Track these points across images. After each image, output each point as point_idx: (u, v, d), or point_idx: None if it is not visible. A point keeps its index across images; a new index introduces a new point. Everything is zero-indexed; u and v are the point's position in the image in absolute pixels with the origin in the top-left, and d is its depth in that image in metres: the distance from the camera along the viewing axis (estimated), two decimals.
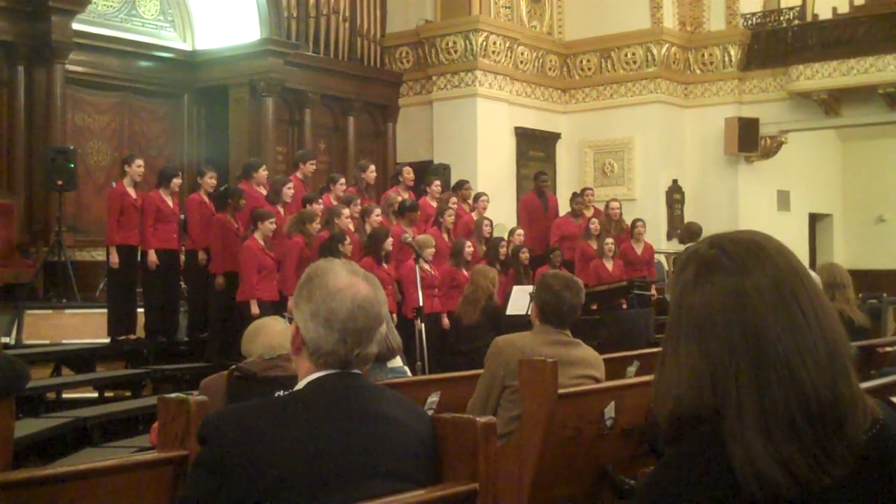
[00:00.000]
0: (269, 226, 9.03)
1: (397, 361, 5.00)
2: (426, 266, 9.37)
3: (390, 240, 9.25)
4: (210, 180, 10.01)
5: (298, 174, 10.66)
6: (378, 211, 9.93)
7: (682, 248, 11.82)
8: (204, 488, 1.95)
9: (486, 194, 11.80)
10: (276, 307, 8.78)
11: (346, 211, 9.61)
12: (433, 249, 9.65)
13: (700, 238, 11.48)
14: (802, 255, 16.13)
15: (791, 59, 15.48)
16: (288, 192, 9.80)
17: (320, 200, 9.91)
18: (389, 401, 2.16)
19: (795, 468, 1.34)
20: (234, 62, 13.75)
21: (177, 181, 9.88)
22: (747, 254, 1.45)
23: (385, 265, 9.16)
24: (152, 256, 9.52)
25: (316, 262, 2.26)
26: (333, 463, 1.98)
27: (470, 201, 11.73)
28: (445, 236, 10.40)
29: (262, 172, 10.18)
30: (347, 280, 2.11)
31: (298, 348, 2.13)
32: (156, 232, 9.60)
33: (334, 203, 10.03)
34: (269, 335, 4.10)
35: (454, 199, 10.98)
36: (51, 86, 11.57)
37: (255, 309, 8.70)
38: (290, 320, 2.22)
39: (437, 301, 9.69)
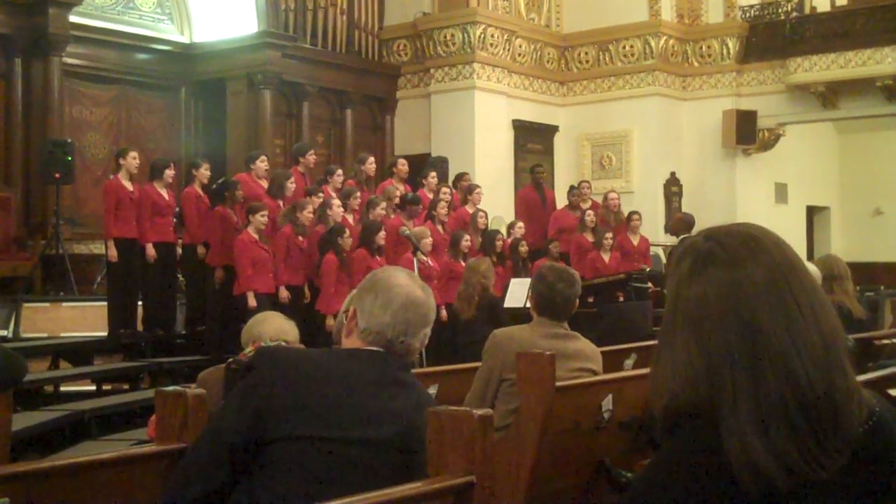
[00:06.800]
0: (262, 219, 9.00)
1: None
2: (424, 258, 9.36)
3: (383, 232, 9.24)
4: (205, 172, 9.97)
5: (300, 167, 10.64)
6: (383, 204, 9.91)
7: (677, 240, 11.81)
8: (245, 405, 2.24)
9: (479, 186, 11.78)
10: (273, 300, 8.78)
11: (337, 202, 9.58)
12: (430, 240, 9.64)
13: (693, 229, 11.50)
14: (800, 248, 16.17)
15: (789, 52, 15.48)
16: (291, 186, 9.75)
17: (321, 193, 9.89)
18: (416, 382, 2.51)
19: (791, 461, 1.34)
20: (231, 55, 13.73)
21: (170, 172, 9.81)
22: (743, 247, 1.46)
23: (378, 257, 9.17)
24: (150, 250, 9.48)
25: (381, 267, 2.72)
26: (361, 404, 2.28)
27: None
28: (440, 228, 10.39)
29: (261, 164, 10.14)
30: (406, 280, 2.49)
31: (350, 331, 2.45)
32: (153, 225, 9.56)
33: (332, 195, 10.02)
34: (273, 325, 4.10)
35: (445, 191, 10.95)
36: (48, 78, 11.56)
37: (252, 301, 8.70)
38: (344, 314, 2.52)
39: (435, 294, 9.67)
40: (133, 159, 9.62)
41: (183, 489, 2.26)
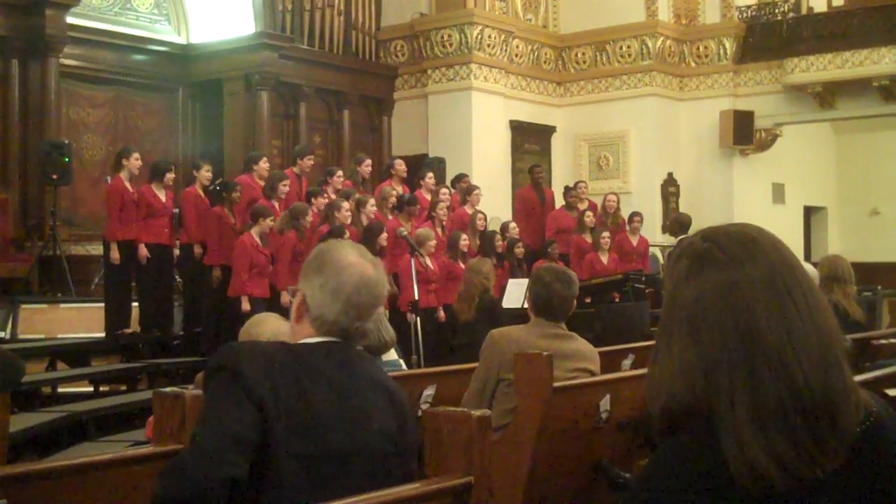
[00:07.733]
0: (269, 223, 9.00)
1: (392, 355, 4.98)
2: (424, 260, 9.36)
3: (385, 234, 9.24)
4: (206, 173, 9.97)
5: (295, 169, 10.64)
6: (372, 202, 9.91)
7: (675, 241, 11.82)
8: (245, 403, 2.04)
9: (478, 187, 11.79)
10: (269, 303, 8.75)
11: (346, 204, 9.59)
12: (434, 242, 9.64)
13: (690, 229, 11.49)
14: (797, 248, 16.18)
15: (786, 52, 15.49)
16: (283, 188, 9.77)
17: (325, 194, 9.87)
18: (384, 374, 2.36)
19: (788, 461, 1.34)
20: (228, 56, 13.71)
21: (170, 175, 9.83)
22: (740, 247, 1.46)
23: (380, 259, 9.15)
24: (143, 251, 9.46)
25: (326, 241, 2.46)
26: (335, 409, 2.14)
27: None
28: (439, 230, 10.39)
29: (263, 164, 10.17)
30: (356, 258, 2.29)
31: (300, 316, 2.27)
32: (146, 226, 9.53)
33: (332, 196, 10.02)
34: (271, 326, 4.09)
35: (444, 191, 10.94)
36: (45, 80, 11.53)
37: (245, 305, 8.68)
38: (293, 293, 2.35)
39: (432, 296, 9.68)
40: (136, 160, 9.63)
41: (203, 470, 1.98)
